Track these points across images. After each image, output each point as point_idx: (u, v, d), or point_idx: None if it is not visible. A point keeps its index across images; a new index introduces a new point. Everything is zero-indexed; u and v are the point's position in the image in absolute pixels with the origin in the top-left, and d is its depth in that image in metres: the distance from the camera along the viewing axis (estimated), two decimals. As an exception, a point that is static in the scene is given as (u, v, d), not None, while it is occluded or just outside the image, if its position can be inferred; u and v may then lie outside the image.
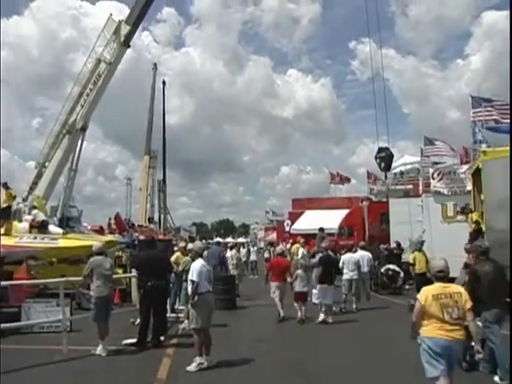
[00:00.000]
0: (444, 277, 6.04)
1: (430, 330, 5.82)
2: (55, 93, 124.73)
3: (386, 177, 22.15)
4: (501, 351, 7.64)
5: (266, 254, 29.04)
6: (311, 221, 27.85)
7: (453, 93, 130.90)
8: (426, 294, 5.91)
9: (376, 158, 22.22)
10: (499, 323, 7.95)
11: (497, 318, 7.92)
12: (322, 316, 13.27)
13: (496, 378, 7.59)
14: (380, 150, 22.50)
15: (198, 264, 8.93)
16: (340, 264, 15.10)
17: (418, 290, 11.29)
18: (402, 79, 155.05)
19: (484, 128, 20.02)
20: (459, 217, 21.11)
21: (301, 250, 18.30)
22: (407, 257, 20.81)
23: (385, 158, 21.52)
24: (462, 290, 6.03)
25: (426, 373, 5.82)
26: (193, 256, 9.92)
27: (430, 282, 7.63)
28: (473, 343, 6.61)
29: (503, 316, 8.02)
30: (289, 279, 13.73)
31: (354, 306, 14.92)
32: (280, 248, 17.00)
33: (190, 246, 10.73)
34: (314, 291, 14.09)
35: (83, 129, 23.80)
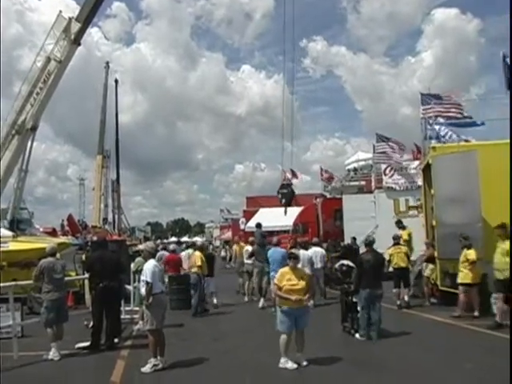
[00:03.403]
0: (295, 258, 9.00)
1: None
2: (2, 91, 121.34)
3: (285, 212, 22.64)
4: (362, 318, 10.47)
5: (223, 253, 28.97)
6: (266, 218, 27.84)
7: (405, 89, 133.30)
8: (282, 272, 8.78)
9: (278, 192, 22.66)
10: (369, 300, 10.46)
11: (368, 296, 10.47)
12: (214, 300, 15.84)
13: (357, 335, 10.54)
14: (282, 186, 22.90)
15: (150, 264, 8.86)
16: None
17: (396, 284, 14.62)
18: (354, 76, 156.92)
19: (433, 124, 20.31)
20: (411, 212, 21.57)
21: (246, 248, 18.20)
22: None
23: (286, 194, 21.94)
24: (304, 272, 9.21)
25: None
26: (145, 256, 9.76)
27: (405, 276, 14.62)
28: (359, 315, 10.55)
29: (373, 294, 10.48)
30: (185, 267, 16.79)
31: (312, 302, 14.98)
32: (173, 246, 18.74)
33: (141, 246, 10.68)
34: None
35: (33, 128, 23.20)
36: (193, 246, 19.10)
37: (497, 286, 11.20)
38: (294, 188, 23.59)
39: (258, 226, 19.16)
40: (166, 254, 17.61)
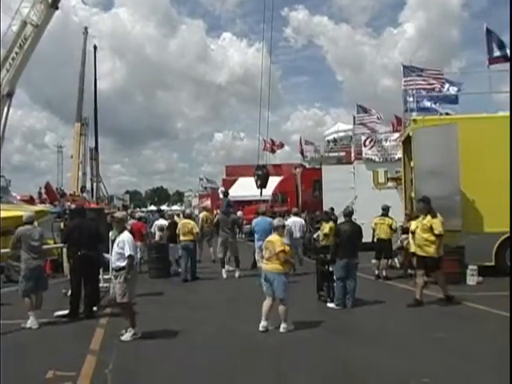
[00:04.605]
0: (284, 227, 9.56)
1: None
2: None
3: (261, 193, 22.80)
4: (338, 288, 10.67)
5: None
6: (245, 188, 27.90)
7: (386, 61, 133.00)
8: (277, 239, 8.88)
9: (254, 174, 22.84)
10: (345, 269, 10.65)
11: (343, 265, 10.66)
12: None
13: (332, 305, 10.72)
14: (258, 167, 23.03)
15: (129, 237, 8.70)
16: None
17: (376, 256, 14.81)
18: (336, 46, 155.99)
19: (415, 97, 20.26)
20: (390, 183, 21.69)
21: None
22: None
23: (261, 176, 22.07)
24: (274, 240, 8.88)
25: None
26: (120, 228, 9.13)
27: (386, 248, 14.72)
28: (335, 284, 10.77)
29: (350, 264, 10.70)
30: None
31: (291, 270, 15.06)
32: (138, 214, 18.82)
33: (117, 215, 10.36)
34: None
35: (9, 94, 22.86)
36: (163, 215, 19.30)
37: (417, 262, 11.28)
38: (269, 169, 23.82)
39: (225, 194, 19.07)
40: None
